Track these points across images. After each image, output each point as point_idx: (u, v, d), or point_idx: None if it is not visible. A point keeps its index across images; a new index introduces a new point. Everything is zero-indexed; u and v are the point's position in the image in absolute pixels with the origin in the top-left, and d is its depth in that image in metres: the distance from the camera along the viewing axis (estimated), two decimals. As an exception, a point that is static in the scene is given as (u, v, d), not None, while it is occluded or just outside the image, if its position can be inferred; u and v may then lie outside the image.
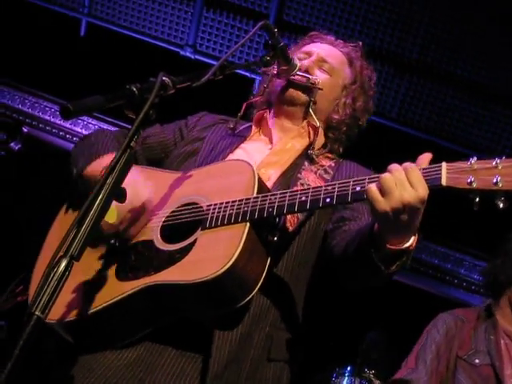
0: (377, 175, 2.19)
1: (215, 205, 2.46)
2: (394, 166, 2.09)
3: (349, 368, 5.68)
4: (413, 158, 2.17)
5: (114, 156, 1.96)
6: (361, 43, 3.26)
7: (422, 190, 2.06)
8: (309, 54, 3.07)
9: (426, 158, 2.16)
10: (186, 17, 6.35)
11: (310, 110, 2.95)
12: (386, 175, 2.08)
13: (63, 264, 1.77)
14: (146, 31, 6.51)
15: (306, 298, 2.78)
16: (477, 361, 3.81)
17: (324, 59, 3.06)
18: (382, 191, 2.07)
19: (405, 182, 2.06)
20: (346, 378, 5.62)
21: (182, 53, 6.47)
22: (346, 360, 5.74)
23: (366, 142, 5.03)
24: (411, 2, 5.72)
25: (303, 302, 2.77)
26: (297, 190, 2.36)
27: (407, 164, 2.10)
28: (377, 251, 2.22)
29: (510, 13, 5.44)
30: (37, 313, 1.70)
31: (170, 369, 2.42)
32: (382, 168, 2.19)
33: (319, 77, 2.99)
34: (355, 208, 2.73)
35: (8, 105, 7.18)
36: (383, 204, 2.07)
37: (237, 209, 2.39)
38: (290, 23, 5.97)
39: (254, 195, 2.41)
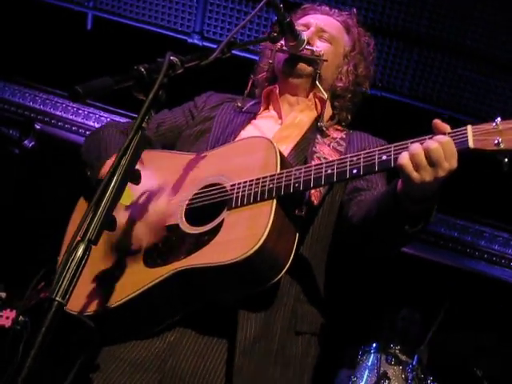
0: (404, 142, 2.20)
1: (239, 184, 2.43)
2: (432, 144, 2.08)
3: (374, 345, 5.69)
4: (427, 132, 2.16)
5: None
6: (355, 10, 3.27)
7: (455, 163, 2.08)
8: (307, 26, 3.05)
9: (440, 123, 2.16)
10: (192, 4, 6.33)
11: (317, 83, 2.95)
12: (419, 153, 2.09)
13: (81, 248, 1.77)
14: (153, 21, 6.50)
15: (326, 270, 2.79)
16: None
17: (323, 29, 3.06)
18: (416, 166, 2.09)
19: (441, 161, 2.07)
20: (372, 355, 5.64)
21: (189, 40, 6.46)
22: (370, 337, 5.75)
23: (380, 119, 5.03)
24: (417, -25, 5.69)
25: (324, 273, 2.78)
26: (321, 164, 2.35)
27: (441, 137, 2.09)
28: (402, 212, 2.24)
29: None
30: (57, 298, 1.70)
31: (193, 349, 2.43)
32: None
33: (320, 47, 2.99)
34: (369, 178, 2.74)
35: (19, 103, 7.19)
36: (417, 178, 2.09)
37: (262, 186, 2.37)
38: (297, 3, 5.90)
39: (278, 171, 2.40)
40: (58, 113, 7.16)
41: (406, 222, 2.26)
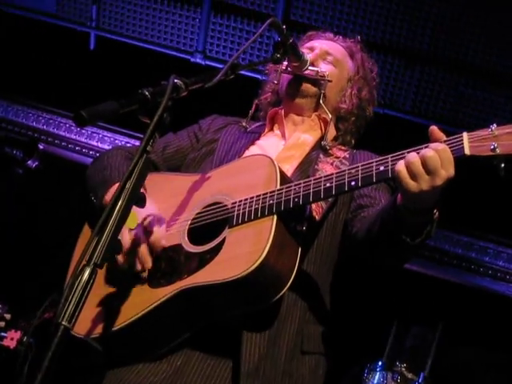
0: (400, 153, 2.21)
1: (240, 201, 2.46)
2: (428, 152, 2.09)
3: (380, 363, 5.66)
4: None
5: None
6: (359, 37, 3.32)
7: (452, 170, 2.09)
8: (311, 49, 3.11)
9: (436, 131, 2.17)
10: (194, 23, 6.34)
11: (321, 102, 2.98)
12: (415, 161, 2.09)
13: (87, 272, 1.78)
14: (155, 40, 6.50)
15: (331, 289, 2.79)
16: None
17: (328, 52, 3.11)
18: (412, 175, 2.09)
19: (438, 169, 2.07)
20: (378, 373, 5.60)
21: (192, 59, 6.45)
22: (376, 354, 5.72)
23: (383, 137, 5.03)
24: (419, -7, 5.71)
25: (329, 293, 2.79)
26: (320, 177, 2.36)
27: (436, 144, 2.10)
28: (402, 225, 2.24)
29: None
30: (63, 323, 1.70)
31: (200, 372, 2.43)
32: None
33: (325, 68, 3.03)
34: (372, 195, 2.77)
35: (23, 123, 7.17)
36: (414, 187, 2.10)
37: (262, 203, 2.39)
38: (298, 22, 5.94)
39: (278, 187, 2.41)
40: (62, 133, 7.14)
41: (408, 234, 2.26)
